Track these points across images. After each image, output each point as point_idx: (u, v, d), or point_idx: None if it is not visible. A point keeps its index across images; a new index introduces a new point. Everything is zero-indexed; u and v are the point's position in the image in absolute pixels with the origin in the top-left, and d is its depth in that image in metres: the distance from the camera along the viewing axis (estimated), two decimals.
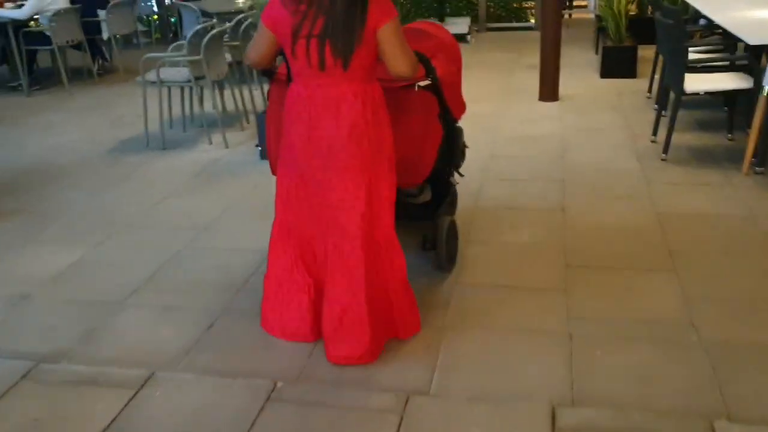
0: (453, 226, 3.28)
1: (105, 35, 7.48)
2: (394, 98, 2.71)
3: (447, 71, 3.01)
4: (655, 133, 4.87)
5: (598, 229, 3.57)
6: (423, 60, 2.72)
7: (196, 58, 4.96)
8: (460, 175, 3.42)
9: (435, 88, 2.85)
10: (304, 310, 2.70)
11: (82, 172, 4.81)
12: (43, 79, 7.59)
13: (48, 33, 6.87)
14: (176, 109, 5.68)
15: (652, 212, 3.72)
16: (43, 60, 7.76)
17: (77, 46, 7.34)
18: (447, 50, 3.11)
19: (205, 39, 4.94)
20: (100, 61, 7.91)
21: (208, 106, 5.60)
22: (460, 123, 3.23)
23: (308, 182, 2.59)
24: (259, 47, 2.56)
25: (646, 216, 3.68)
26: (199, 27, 5.00)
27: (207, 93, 5.54)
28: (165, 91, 5.38)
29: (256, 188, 4.36)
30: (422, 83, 2.77)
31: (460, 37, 8.94)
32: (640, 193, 3.98)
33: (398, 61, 2.42)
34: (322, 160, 2.53)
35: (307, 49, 2.39)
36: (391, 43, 2.39)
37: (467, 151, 3.47)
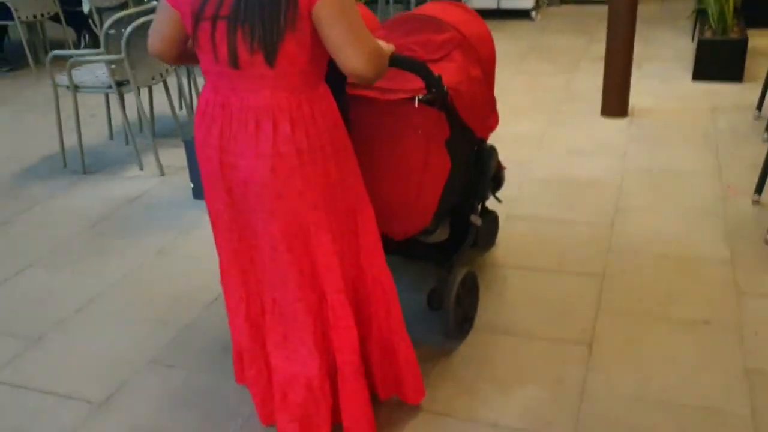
0: (469, 280, 2.44)
1: (86, 8, 6.31)
2: (381, 116, 2.12)
3: (465, 77, 2.21)
4: (760, 189, 3.24)
5: (638, 401, 2.10)
6: (415, 65, 2.01)
7: (116, 57, 3.66)
8: (498, 200, 2.81)
9: (443, 104, 2.10)
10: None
11: None
12: (17, 59, 6.51)
13: (8, 4, 5.75)
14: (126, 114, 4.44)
15: (741, 367, 2.21)
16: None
17: (56, 18, 6.21)
18: (468, 46, 2.25)
19: (128, 30, 3.62)
20: (87, 37, 6.76)
21: (160, 109, 4.34)
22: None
23: (231, 220, 1.88)
24: (160, 30, 1.81)
25: (734, 372, 2.18)
26: (120, 14, 3.66)
27: (167, 97, 4.26)
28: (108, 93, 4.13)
29: (171, 251, 3.09)
30: (422, 97, 2.05)
31: (522, 13, 7.28)
32: (724, 319, 2.43)
33: (345, 52, 1.64)
34: (240, 199, 1.81)
35: (212, 36, 1.67)
36: (332, 26, 1.62)
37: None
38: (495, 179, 2.70)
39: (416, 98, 2.08)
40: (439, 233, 2.47)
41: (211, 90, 1.76)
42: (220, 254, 1.98)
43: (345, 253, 1.87)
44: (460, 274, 2.36)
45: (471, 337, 2.43)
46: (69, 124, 4.28)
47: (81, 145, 4.04)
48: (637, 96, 4.63)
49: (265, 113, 1.70)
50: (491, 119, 2.44)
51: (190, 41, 1.82)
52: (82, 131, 4.09)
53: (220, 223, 1.90)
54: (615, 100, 4.40)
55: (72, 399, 2.25)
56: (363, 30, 1.65)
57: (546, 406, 2.11)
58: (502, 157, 3.91)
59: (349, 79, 1.92)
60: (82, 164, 4.04)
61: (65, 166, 4.11)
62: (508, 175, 3.70)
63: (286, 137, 1.71)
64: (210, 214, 1.93)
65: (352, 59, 1.64)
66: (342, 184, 1.83)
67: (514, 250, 2.95)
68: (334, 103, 1.81)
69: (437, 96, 2.08)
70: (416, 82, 2.08)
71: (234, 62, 1.66)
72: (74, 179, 3.95)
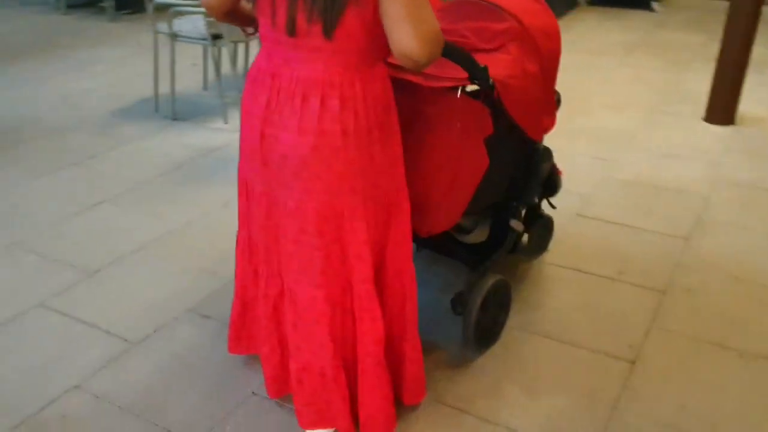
0: (502, 291, 2.30)
1: None
2: (420, 102, 1.97)
3: (519, 71, 2.06)
4: None
5: (671, 429, 1.96)
6: (459, 54, 1.85)
7: None
8: (552, 206, 2.69)
9: (487, 97, 1.97)
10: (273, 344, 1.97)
11: (57, 139, 3.83)
12: (137, 3, 6.76)
13: None
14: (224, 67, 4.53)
15: None
16: None
17: None
18: (528, 39, 2.11)
19: None
20: None
21: None
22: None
23: (262, 194, 1.79)
24: None
25: None
26: None
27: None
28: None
29: (235, 206, 3.15)
30: (468, 87, 1.93)
31: (642, 3, 6.91)
32: None
33: (402, 29, 1.48)
34: (276, 173, 1.71)
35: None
36: (393, 1, 1.47)
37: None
38: (548, 184, 2.56)
39: (459, 88, 1.96)
40: (478, 234, 2.36)
41: (265, 57, 1.69)
42: (241, 227, 1.94)
43: (376, 243, 1.79)
44: (490, 281, 2.21)
45: (507, 335, 2.34)
46: (168, 71, 4.41)
47: (173, 92, 4.16)
48: (749, 103, 4.30)
49: (314, 87, 1.60)
50: (546, 120, 2.27)
51: (249, 3, 1.75)
52: (179, 80, 4.21)
53: (251, 196, 1.84)
54: (722, 106, 4.11)
55: (111, 335, 2.33)
56: (426, 9, 1.50)
57: (571, 419, 2.01)
58: (591, 147, 3.75)
59: (391, 60, 1.77)
60: (172, 111, 4.17)
61: (157, 110, 4.24)
62: (595, 165, 3.56)
63: (333, 115, 1.61)
64: (240, 184, 1.87)
65: (407, 39, 1.47)
66: (384, 172, 1.73)
67: (575, 251, 2.82)
68: (390, 86, 1.72)
69: (481, 88, 1.95)
70: (463, 71, 1.95)
71: (291, 30, 1.57)
72: (163, 124, 4.07)
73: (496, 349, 2.28)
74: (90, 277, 2.65)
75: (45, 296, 2.52)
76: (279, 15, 1.58)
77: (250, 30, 1.94)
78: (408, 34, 1.47)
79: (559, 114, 4.25)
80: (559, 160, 3.71)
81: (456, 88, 1.96)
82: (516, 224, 2.33)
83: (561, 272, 2.68)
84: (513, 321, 2.40)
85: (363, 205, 1.71)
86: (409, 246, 1.86)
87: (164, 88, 4.33)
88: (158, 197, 3.24)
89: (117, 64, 5.21)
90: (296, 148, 1.64)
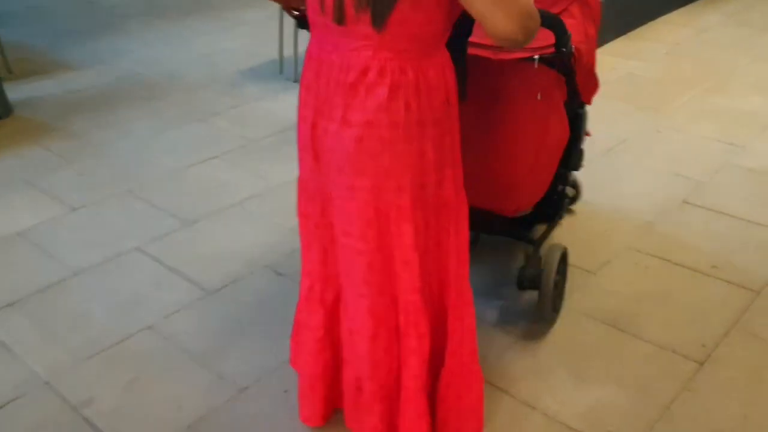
0: (565, 257, 2.25)
1: None
2: (492, 77, 1.87)
3: (583, 36, 2.00)
4: None
5: None
6: (551, 20, 1.73)
7: None
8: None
9: (566, 65, 1.91)
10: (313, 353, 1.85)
11: (189, 95, 4.09)
12: None
13: None
14: None
15: None
16: None
17: None
18: (584, 1, 2.05)
19: None
20: None
21: None
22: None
23: (316, 191, 1.68)
24: None
25: None
26: None
27: None
28: None
29: None
30: (545, 54, 1.82)
31: None
32: None
33: (495, 17, 1.31)
34: (326, 168, 1.60)
35: None
36: None
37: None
38: None
39: (536, 58, 1.86)
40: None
41: (316, 45, 1.55)
42: (301, 226, 1.81)
43: (428, 250, 1.63)
44: (558, 251, 2.17)
45: (569, 319, 2.25)
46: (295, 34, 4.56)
47: (296, 55, 4.30)
48: None
49: (362, 75, 1.46)
50: (596, 82, 2.20)
51: None
52: (303, 43, 4.33)
53: (305, 193, 1.73)
54: None
55: (191, 282, 2.49)
56: None
57: (615, 412, 1.91)
58: (710, 133, 3.49)
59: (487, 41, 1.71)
60: (294, 73, 4.31)
61: (281, 72, 4.40)
62: (704, 155, 3.30)
63: (380, 104, 1.46)
64: (299, 179, 1.74)
65: (502, 24, 1.31)
66: (438, 172, 1.57)
67: (669, 240, 2.63)
68: (451, 76, 1.56)
69: (563, 56, 1.85)
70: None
71: (339, 17, 1.44)
72: (285, 86, 4.22)
73: (553, 332, 2.20)
74: (187, 227, 2.84)
75: (143, 241, 2.74)
76: (327, 0, 1.46)
77: (295, 12, 1.92)
78: (502, 20, 1.31)
79: (689, 92, 3.99)
80: (674, 141, 3.49)
81: (531, 59, 1.87)
82: (569, 191, 2.25)
83: (646, 260, 2.52)
84: (579, 305, 2.30)
85: (412, 206, 1.56)
86: (466, 256, 1.71)
87: (289, 50, 4.48)
88: (265, 156, 3.39)
89: (259, 25, 5.43)
90: (341, 140, 1.52)
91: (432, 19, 1.43)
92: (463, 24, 1.55)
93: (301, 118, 1.62)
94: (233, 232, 2.79)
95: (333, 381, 1.85)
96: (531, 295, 2.34)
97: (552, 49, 1.84)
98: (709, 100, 3.83)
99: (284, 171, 3.23)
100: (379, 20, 1.40)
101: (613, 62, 4.38)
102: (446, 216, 1.63)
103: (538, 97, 1.95)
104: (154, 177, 3.22)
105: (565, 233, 2.66)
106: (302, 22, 2.01)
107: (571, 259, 2.48)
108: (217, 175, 3.24)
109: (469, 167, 1.78)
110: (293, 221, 2.82)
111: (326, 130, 1.54)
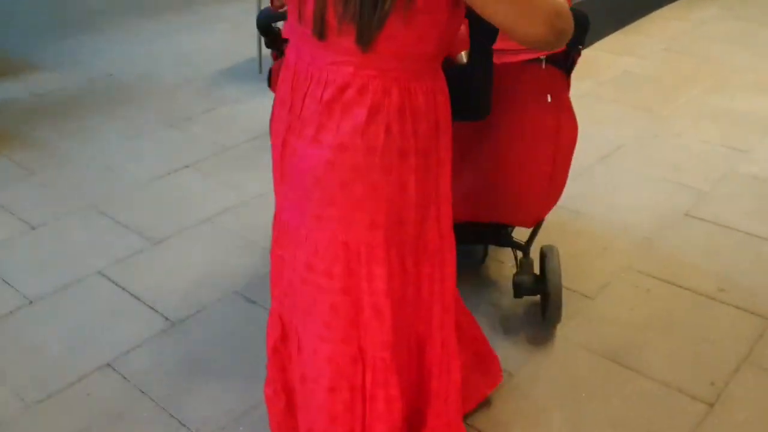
0: (558, 256, 2.14)
1: None
2: (499, 82, 1.72)
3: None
4: None
5: None
6: (579, 16, 1.48)
7: None
8: None
9: (572, 62, 1.85)
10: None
11: (162, 99, 3.86)
12: None
13: None
14: None
15: None
16: None
17: None
18: None
19: None
20: None
21: None
22: None
23: (282, 211, 1.51)
24: None
25: None
26: None
27: None
28: None
29: None
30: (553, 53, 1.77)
31: None
32: None
33: (519, 23, 1.18)
34: (292, 191, 1.43)
35: None
36: (495, 2, 1.18)
37: None
38: None
39: (542, 59, 1.78)
40: None
41: (294, 53, 1.38)
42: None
43: (405, 298, 1.45)
44: (554, 250, 2.12)
45: (565, 351, 2.06)
46: None
47: None
48: None
49: (339, 92, 1.30)
50: None
51: None
52: (259, 40, 4.12)
53: (276, 215, 1.56)
54: None
55: (154, 312, 2.29)
56: None
57: None
58: (711, 137, 3.31)
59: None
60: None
61: (260, 71, 4.18)
62: (706, 162, 3.11)
63: (357, 127, 1.29)
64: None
65: (528, 31, 1.18)
66: (420, 209, 1.40)
67: (672, 258, 2.45)
68: (445, 102, 1.40)
69: (573, 54, 1.80)
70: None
71: (319, 30, 1.27)
72: (263, 86, 3.97)
73: (548, 367, 2.02)
74: (153, 246, 2.63)
75: (106, 263, 2.53)
76: (306, 9, 1.28)
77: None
78: (527, 26, 1.18)
79: (688, 92, 3.80)
80: (674, 146, 3.30)
81: (538, 60, 1.79)
82: None
83: (647, 282, 2.33)
84: (576, 335, 2.12)
85: (385, 246, 1.38)
86: (451, 309, 1.54)
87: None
88: (240, 164, 3.18)
89: (240, 22, 5.20)
90: (310, 163, 1.35)
91: (424, 38, 1.27)
92: (488, 31, 1.43)
93: (273, 132, 1.46)
94: (202, 253, 2.59)
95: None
96: (516, 318, 2.17)
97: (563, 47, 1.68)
98: (709, 101, 3.64)
99: (260, 181, 3.02)
100: (365, 39, 1.23)
101: (608, 59, 4.18)
102: (428, 260, 1.44)
103: (549, 99, 1.85)
104: (120, 190, 3.00)
105: (560, 250, 2.47)
106: (273, 40, 1.85)
107: (566, 282, 2.29)
108: (187, 186, 3.03)
109: (481, 181, 1.65)
110: (267, 240, 2.62)
111: (294, 149, 1.38)
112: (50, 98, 3.90)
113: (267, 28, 1.89)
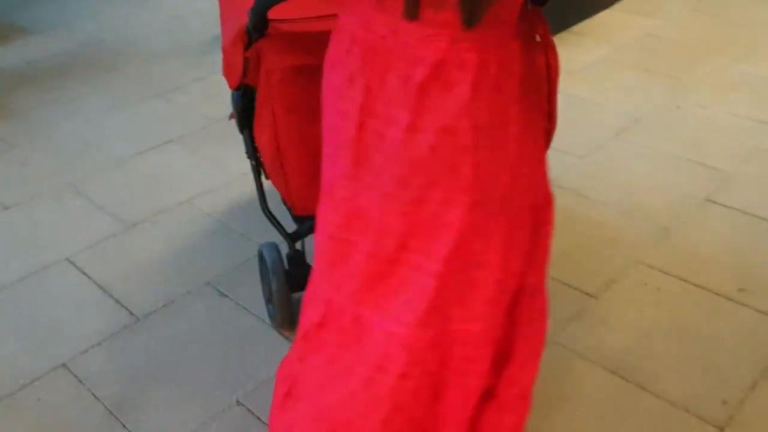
0: None
1: None
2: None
3: None
4: None
5: None
6: None
7: None
8: None
9: None
10: None
11: (151, 66, 3.64)
12: None
13: None
14: None
15: None
16: None
17: None
18: None
19: None
20: None
21: None
22: None
23: (342, 200, 1.36)
24: None
25: None
26: None
27: None
28: None
29: None
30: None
31: None
32: None
33: None
34: (371, 178, 1.30)
35: None
36: None
37: None
38: None
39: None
40: None
41: (358, 22, 1.23)
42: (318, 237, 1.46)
43: (511, 275, 1.38)
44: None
45: (562, 362, 1.85)
46: None
47: None
48: None
49: (435, 70, 1.19)
50: None
51: None
52: None
53: (329, 200, 1.39)
54: None
55: (119, 305, 2.11)
56: None
57: None
58: (739, 110, 3.07)
59: None
60: None
61: None
62: (732, 139, 2.84)
63: (462, 106, 1.20)
64: (324, 182, 1.39)
65: None
66: (525, 178, 1.34)
67: (689, 251, 2.21)
68: (533, 65, 1.34)
69: None
70: None
71: (412, 11, 1.14)
72: None
73: (543, 380, 1.80)
74: (126, 231, 2.45)
75: (75, 249, 2.36)
76: None
77: None
78: None
79: (715, 58, 3.49)
80: (697, 119, 3.02)
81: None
82: None
83: (659, 279, 2.10)
84: (575, 342, 1.90)
85: (496, 225, 1.31)
86: (545, 267, 1.46)
87: None
88: (226, 140, 2.97)
89: None
90: (408, 148, 1.24)
91: (515, 1, 1.20)
92: None
93: (338, 112, 1.30)
94: (176, 238, 2.40)
95: None
96: None
97: None
98: (738, 68, 3.34)
99: (246, 159, 2.81)
100: (475, 16, 1.14)
101: (629, 21, 3.86)
102: (535, 232, 1.40)
103: (537, 39, 1.62)
104: (98, 167, 2.82)
105: (563, 240, 2.24)
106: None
107: (568, 277, 2.08)
108: (169, 164, 2.84)
109: None
110: (247, 225, 2.43)
111: (382, 135, 1.26)
112: (37, 65, 3.72)
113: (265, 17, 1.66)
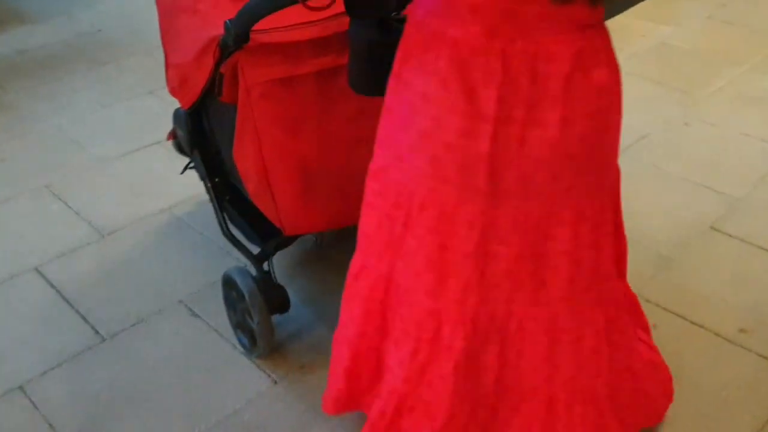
0: None
1: None
2: None
3: None
4: None
5: None
6: None
7: None
8: None
9: None
10: None
11: (147, 59, 3.53)
12: None
13: None
14: None
15: None
16: None
17: None
18: None
19: None
20: None
21: None
22: None
23: (480, 214, 1.33)
24: None
25: None
26: None
27: None
28: None
29: None
30: None
31: None
32: None
33: None
34: (507, 184, 1.30)
35: None
36: None
37: None
38: None
39: None
40: None
41: (483, 32, 1.20)
42: (371, 256, 1.47)
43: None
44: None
45: None
46: None
47: None
48: None
49: (576, 59, 1.20)
50: None
51: None
52: None
53: (460, 227, 1.34)
54: None
55: (86, 323, 2.02)
56: None
57: None
58: (754, 130, 2.94)
59: None
60: None
61: None
62: (743, 161, 2.68)
63: (605, 88, 1.27)
64: (442, 211, 1.33)
65: None
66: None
67: (689, 285, 2.07)
68: None
69: None
70: None
71: None
72: None
73: None
74: (101, 239, 2.35)
75: (46, 258, 2.26)
76: None
77: None
78: None
79: (731, 70, 3.33)
80: (706, 138, 2.88)
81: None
82: None
83: (655, 315, 1.96)
84: None
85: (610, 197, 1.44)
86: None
87: None
88: None
89: None
90: (558, 144, 1.25)
91: None
92: None
93: (452, 129, 1.25)
94: (152, 250, 2.30)
95: None
96: None
97: None
98: (755, 82, 3.17)
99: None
100: None
101: (642, 28, 3.69)
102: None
103: None
104: (79, 168, 2.72)
105: None
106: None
107: None
108: (154, 167, 2.73)
109: None
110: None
111: (523, 139, 1.24)
112: (31, 55, 3.62)
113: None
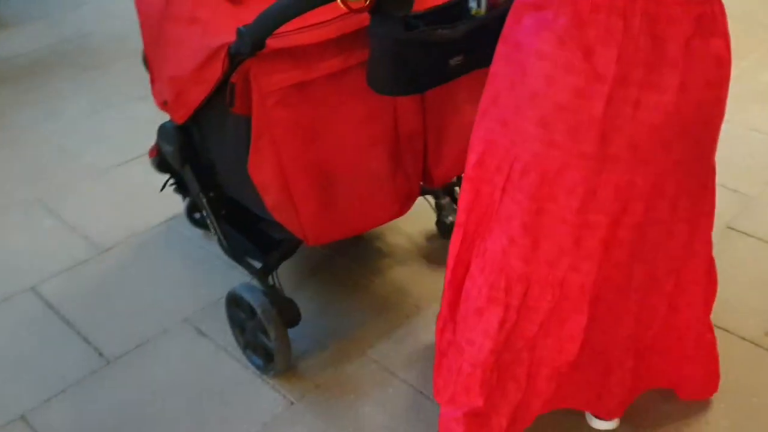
0: None
1: None
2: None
3: None
4: None
5: None
6: None
7: None
8: None
9: None
10: None
11: (133, 63, 3.36)
12: None
13: None
14: None
15: None
16: None
17: None
18: None
19: None
20: None
21: None
22: None
23: (583, 177, 1.28)
24: None
25: None
26: None
27: None
28: None
29: None
30: None
31: None
32: None
33: None
34: (624, 150, 1.25)
35: None
36: None
37: None
38: None
39: None
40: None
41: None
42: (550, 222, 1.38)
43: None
44: None
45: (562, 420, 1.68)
46: None
47: None
48: None
49: (696, 25, 1.19)
50: None
51: None
52: None
53: (560, 188, 1.29)
54: None
55: (88, 345, 1.94)
56: None
57: None
58: (764, 125, 2.85)
59: None
60: None
61: None
62: (755, 158, 2.63)
63: (720, 59, 1.24)
64: (543, 174, 1.28)
65: None
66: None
67: None
68: None
69: None
70: None
71: None
72: None
73: None
74: (98, 256, 2.27)
75: (41, 277, 2.17)
76: None
77: None
78: None
79: (736, 64, 3.24)
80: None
81: None
82: None
83: None
84: None
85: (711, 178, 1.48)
86: None
87: None
88: None
89: None
90: (674, 112, 1.22)
91: None
92: None
93: (566, 89, 1.20)
94: (152, 266, 2.21)
95: None
96: None
97: None
98: (761, 76, 3.12)
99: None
100: None
101: None
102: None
103: None
104: (72, 179, 2.63)
105: None
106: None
107: None
108: (148, 177, 2.61)
109: None
110: None
111: (639, 103, 1.20)
112: (17, 61, 3.52)
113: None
